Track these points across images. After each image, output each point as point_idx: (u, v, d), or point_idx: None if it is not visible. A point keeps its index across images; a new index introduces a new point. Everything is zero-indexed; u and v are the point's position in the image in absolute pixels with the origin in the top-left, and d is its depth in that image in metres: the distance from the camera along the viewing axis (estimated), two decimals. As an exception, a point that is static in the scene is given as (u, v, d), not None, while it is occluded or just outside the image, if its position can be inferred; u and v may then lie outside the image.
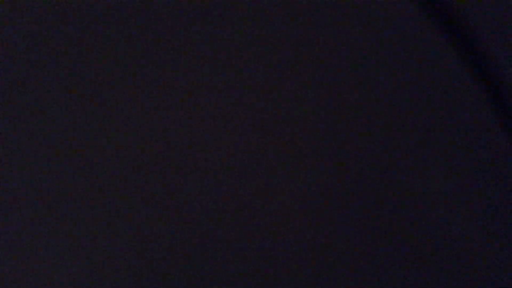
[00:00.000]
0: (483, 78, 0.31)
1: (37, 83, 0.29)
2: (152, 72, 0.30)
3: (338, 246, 0.29)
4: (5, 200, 0.29)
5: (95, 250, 0.28)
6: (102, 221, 0.29)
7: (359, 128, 0.30)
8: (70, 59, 0.29)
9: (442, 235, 0.30)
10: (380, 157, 0.30)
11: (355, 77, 0.30)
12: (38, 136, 0.29)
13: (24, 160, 0.29)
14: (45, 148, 0.29)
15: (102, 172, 0.29)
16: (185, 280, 0.29)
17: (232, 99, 0.30)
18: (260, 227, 0.29)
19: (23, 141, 0.29)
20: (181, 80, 0.30)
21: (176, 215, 0.29)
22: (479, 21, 0.31)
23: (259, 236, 0.29)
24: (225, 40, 0.30)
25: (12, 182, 0.29)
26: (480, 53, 0.31)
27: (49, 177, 0.29)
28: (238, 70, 0.30)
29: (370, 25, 0.31)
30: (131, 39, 0.30)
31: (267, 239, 0.29)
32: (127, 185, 0.29)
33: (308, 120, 0.30)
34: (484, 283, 0.30)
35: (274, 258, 0.29)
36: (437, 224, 0.30)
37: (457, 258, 0.30)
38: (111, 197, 0.29)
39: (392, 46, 0.30)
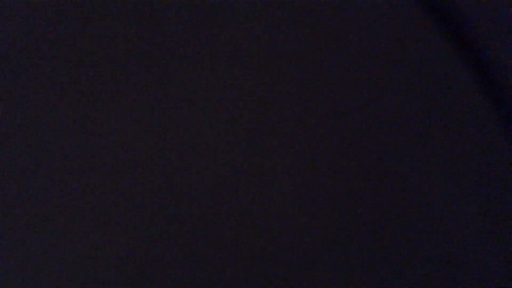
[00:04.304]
0: (483, 78, 0.31)
1: (37, 83, 0.29)
2: (152, 72, 0.30)
3: (338, 246, 0.29)
4: (5, 200, 0.29)
5: (95, 250, 0.28)
6: (101, 221, 0.29)
7: (359, 128, 0.30)
8: (70, 59, 0.29)
9: (442, 235, 0.30)
10: (380, 157, 0.30)
11: (355, 78, 0.30)
12: (37, 136, 0.29)
13: (24, 160, 0.29)
14: (45, 148, 0.29)
15: (101, 173, 0.29)
16: (184, 280, 0.29)
17: (231, 99, 0.30)
18: (260, 227, 0.29)
19: (22, 141, 0.29)
20: (181, 80, 0.30)
21: (175, 215, 0.29)
22: (479, 21, 0.31)
23: (259, 236, 0.29)
24: (225, 40, 0.30)
25: (12, 182, 0.29)
26: (480, 52, 0.31)
27: (49, 177, 0.29)
28: (238, 70, 0.30)
29: (370, 25, 0.31)
30: (131, 39, 0.30)
31: (267, 239, 0.29)
32: (127, 185, 0.29)
33: (307, 121, 0.30)
34: (484, 283, 0.30)
35: (274, 259, 0.29)
36: (437, 224, 0.30)
37: (457, 258, 0.30)
38: (110, 198, 0.29)
39: (392, 46, 0.30)
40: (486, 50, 0.31)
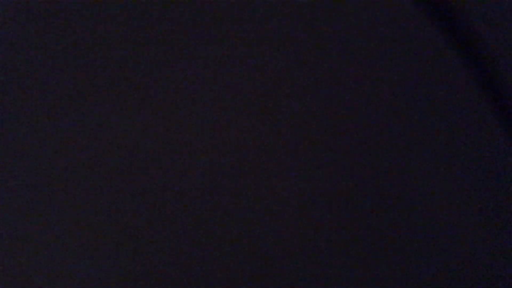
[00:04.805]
0: (483, 78, 0.31)
1: (36, 83, 0.29)
2: (152, 73, 0.30)
3: (337, 245, 0.29)
4: (5, 200, 0.29)
5: (94, 250, 0.29)
6: (100, 221, 0.29)
7: (359, 128, 0.30)
8: (70, 59, 0.29)
9: (441, 235, 0.30)
10: (379, 157, 0.30)
11: (355, 78, 0.30)
12: (37, 136, 0.29)
13: (24, 160, 0.29)
14: (44, 148, 0.29)
15: (101, 172, 0.29)
16: (184, 280, 0.29)
17: (231, 99, 0.30)
18: (260, 227, 0.29)
19: (22, 141, 0.29)
20: (181, 80, 0.30)
21: (175, 215, 0.29)
22: (479, 21, 0.31)
23: (259, 236, 0.29)
24: (225, 40, 0.30)
25: (12, 182, 0.29)
26: (481, 53, 0.31)
27: (48, 177, 0.29)
28: (237, 70, 0.30)
29: (370, 25, 0.31)
30: (131, 38, 0.30)
31: (267, 239, 0.29)
32: (126, 185, 0.29)
33: (307, 120, 0.30)
34: (484, 283, 0.30)
35: (274, 259, 0.29)
36: (436, 224, 0.30)
37: (457, 258, 0.30)
38: (109, 197, 0.29)
39: (392, 46, 0.30)
40: (487, 50, 0.31)
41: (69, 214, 0.29)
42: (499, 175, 0.31)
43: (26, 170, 0.29)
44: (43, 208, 0.29)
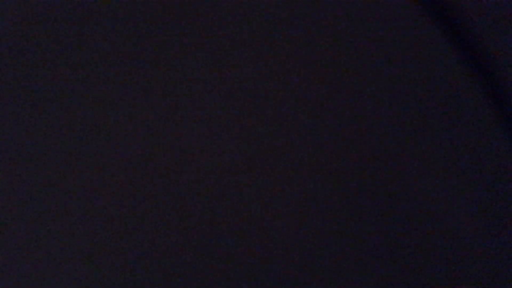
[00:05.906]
0: (483, 78, 0.31)
1: (37, 83, 0.29)
2: (152, 73, 0.30)
3: (337, 245, 0.29)
4: (6, 200, 0.29)
5: (95, 251, 0.28)
6: (101, 222, 0.29)
7: (358, 127, 0.30)
8: (70, 59, 0.29)
9: (442, 235, 0.30)
10: (379, 156, 0.30)
11: (355, 77, 0.30)
12: (38, 136, 0.29)
13: (25, 161, 0.29)
14: (45, 148, 0.29)
15: (101, 173, 0.29)
16: (184, 280, 0.29)
17: (231, 99, 0.30)
18: (260, 229, 0.29)
19: (23, 142, 0.29)
20: (181, 80, 0.30)
21: (175, 215, 0.29)
22: (479, 21, 0.31)
23: (259, 238, 0.29)
24: (225, 40, 0.30)
25: (12, 183, 0.29)
26: (480, 52, 0.31)
27: (49, 178, 0.29)
28: (237, 70, 0.30)
29: (370, 25, 0.31)
30: (131, 38, 0.30)
31: (267, 241, 0.29)
32: (127, 186, 0.29)
33: (306, 120, 0.30)
34: (484, 283, 0.30)
35: (274, 260, 0.29)
36: (436, 224, 0.30)
37: (457, 258, 0.30)
38: (110, 198, 0.29)
39: (392, 46, 0.30)
40: (486, 49, 0.31)
41: (68, 215, 0.29)
42: (499, 175, 0.31)
43: (26, 170, 0.29)
44: (43, 209, 0.29)
